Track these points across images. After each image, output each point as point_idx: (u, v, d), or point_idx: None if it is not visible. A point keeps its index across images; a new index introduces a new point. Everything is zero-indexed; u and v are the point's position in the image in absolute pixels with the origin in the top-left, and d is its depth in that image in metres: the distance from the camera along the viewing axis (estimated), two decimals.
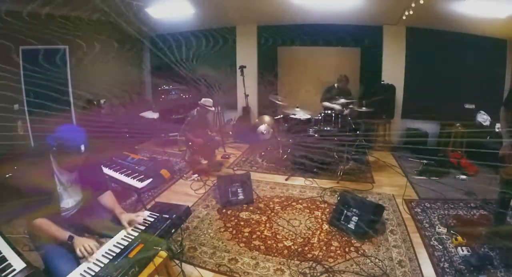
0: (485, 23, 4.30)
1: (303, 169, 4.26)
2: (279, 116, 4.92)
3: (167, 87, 5.84)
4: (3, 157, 3.19)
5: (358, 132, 4.60)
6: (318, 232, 2.83)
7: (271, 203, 3.40)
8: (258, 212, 3.19)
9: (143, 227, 1.75)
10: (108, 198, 1.92)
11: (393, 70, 5.41)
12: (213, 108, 4.42)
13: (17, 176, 1.64)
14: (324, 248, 2.57)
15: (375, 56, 5.45)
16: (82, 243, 1.52)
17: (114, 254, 1.52)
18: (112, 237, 1.68)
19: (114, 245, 1.60)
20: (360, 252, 2.50)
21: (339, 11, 4.82)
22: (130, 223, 1.76)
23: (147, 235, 1.65)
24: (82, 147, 1.63)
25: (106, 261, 1.47)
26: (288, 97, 5.19)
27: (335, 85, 4.83)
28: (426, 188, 3.74)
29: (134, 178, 2.63)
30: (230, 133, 6.14)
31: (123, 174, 2.69)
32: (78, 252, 1.49)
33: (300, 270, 2.29)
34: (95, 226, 1.87)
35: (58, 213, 1.74)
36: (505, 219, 2.73)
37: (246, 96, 5.82)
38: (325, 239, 2.70)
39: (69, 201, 1.79)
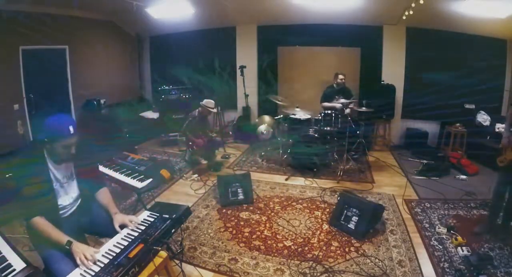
0: (485, 23, 4.31)
1: (303, 169, 4.26)
2: (279, 116, 4.92)
3: (167, 87, 5.84)
4: (3, 157, 3.20)
5: (358, 132, 4.60)
6: (318, 232, 2.83)
7: (271, 203, 3.40)
8: (258, 212, 3.19)
9: (143, 227, 1.75)
10: (103, 195, 1.91)
11: (393, 70, 5.41)
12: (215, 110, 4.43)
13: (13, 175, 1.62)
14: (324, 248, 2.57)
15: (375, 56, 5.45)
16: (82, 251, 1.49)
17: (114, 254, 1.51)
18: (112, 237, 1.68)
19: (114, 245, 1.60)
20: (360, 252, 2.50)
21: (339, 11, 4.82)
22: (122, 226, 1.74)
23: (147, 235, 1.65)
24: (71, 128, 1.62)
25: (106, 261, 1.47)
26: (288, 97, 5.19)
27: (334, 84, 4.82)
28: (426, 188, 3.74)
29: (134, 178, 2.62)
30: (230, 133, 6.15)
31: (123, 174, 2.69)
32: (78, 261, 1.47)
33: (300, 270, 2.29)
34: (95, 225, 1.88)
35: (57, 211, 1.72)
36: (500, 209, 2.71)
37: (246, 96, 5.82)
38: (325, 239, 2.70)
39: (66, 198, 1.78)
